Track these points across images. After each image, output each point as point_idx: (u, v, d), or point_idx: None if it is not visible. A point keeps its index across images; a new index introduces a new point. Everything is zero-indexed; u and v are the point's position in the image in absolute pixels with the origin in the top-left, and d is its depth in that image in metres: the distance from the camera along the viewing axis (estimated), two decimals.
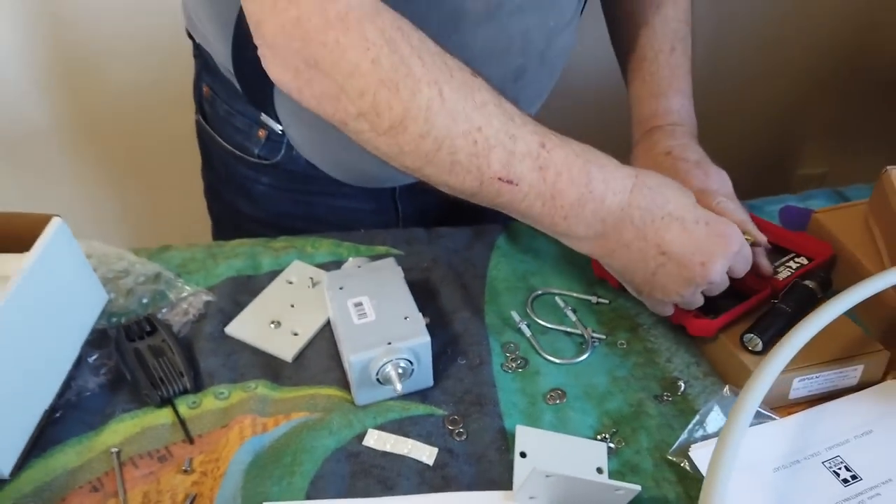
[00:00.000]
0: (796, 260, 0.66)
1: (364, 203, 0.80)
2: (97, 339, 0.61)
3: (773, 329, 0.57)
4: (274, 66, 0.50)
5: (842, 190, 0.79)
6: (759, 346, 0.56)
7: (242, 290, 0.67)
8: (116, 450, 0.53)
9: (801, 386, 0.56)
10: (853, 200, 0.74)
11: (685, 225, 0.55)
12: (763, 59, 1.41)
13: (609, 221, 0.54)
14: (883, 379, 0.58)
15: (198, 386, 0.58)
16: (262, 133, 0.74)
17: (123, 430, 0.55)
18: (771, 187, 0.81)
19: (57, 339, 0.57)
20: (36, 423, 0.54)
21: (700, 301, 0.58)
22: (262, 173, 0.77)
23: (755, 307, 0.61)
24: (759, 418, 0.55)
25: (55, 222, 0.56)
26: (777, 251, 0.67)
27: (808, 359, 0.55)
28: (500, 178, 0.51)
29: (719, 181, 0.64)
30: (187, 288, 0.66)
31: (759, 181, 1.51)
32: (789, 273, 0.64)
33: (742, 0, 1.33)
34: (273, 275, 0.68)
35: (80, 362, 0.59)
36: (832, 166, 1.52)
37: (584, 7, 0.73)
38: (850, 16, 1.38)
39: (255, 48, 0.64)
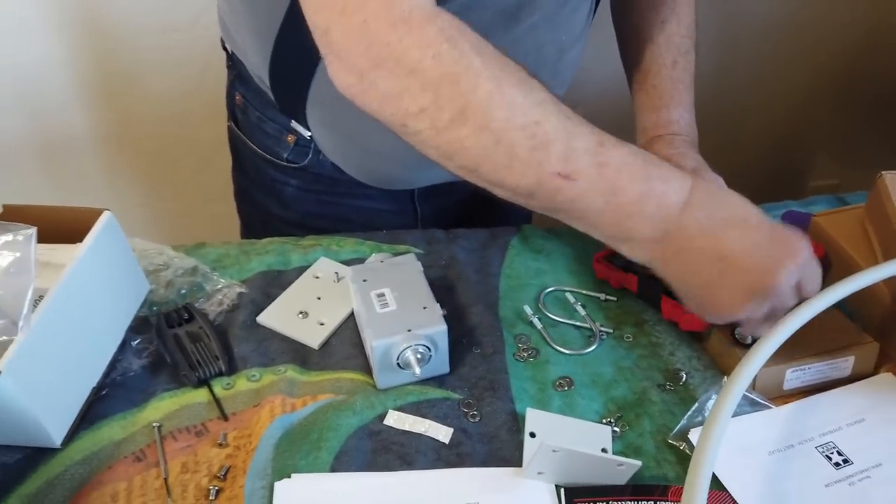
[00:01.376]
0: None
1: (385, 204, 0.84)
2: (140, 325, 0.66)
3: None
4: (340, 72, 0.52)
5: (843, 196, 0.82)
6: (750, 340, 0.60)
7: (273, 284, 0.72)
8: (158, 424, 0.58)
9: (794, 377, 0.59)
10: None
11: (747, 228, 0.53)
12: (772, 70, 1.44)
13: (673, 220, 0.52)
14: (875, 372, 0.61)
15: (232, 369, 0.63)
16: (290, 138, 0.79)
17: (164, 407, 0.60)
18: (781, 199, 0.84)
19: (104, 323, 0.62)
20: (85, 398, 0.59)
21: (766, 320, 0.55)
22: (290, 176, 0.82)
23: None
24: (755, 406, 0.59)
25: (105, 216, 0.61)
26: None
27: (800, 351, 0.59)
28: (559, 174, 0.51)
29: None
30: (222, 281, 0.71)
31: (770, 193, 1.54)
32: None
33: (751, 9, 1.36)
34: (301, 270, 0.73)
35: (124, 346, 0.64)
36: (843, 178, 1.54)
37: (590, 23, 0.78)
38: (859, 23, 1.41)
39: (292, 61, 0.69)
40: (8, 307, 0.49)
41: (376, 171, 0.78)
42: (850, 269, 0.66)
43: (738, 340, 0.61)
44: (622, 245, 0.56)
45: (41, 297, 0.54)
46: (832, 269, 0.69)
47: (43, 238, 0.59)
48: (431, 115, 0.51)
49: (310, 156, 0.79)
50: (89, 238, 0.59)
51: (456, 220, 0.87)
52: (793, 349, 0.57)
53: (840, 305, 0.60)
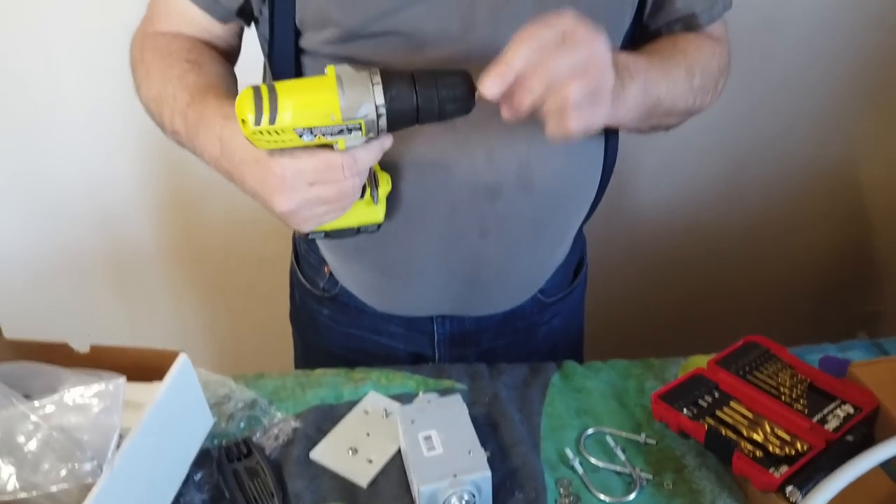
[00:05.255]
0: (843, 408, 0.70)
1: (405, 345, 0.88)
2: (201, 458, 0.70)
3: (812, 482, 0.61)
4: None
5: (881, 342, 0.84)
6: (800, 498, 0.61)
7: (325, 418, 0.76)
8: None
9: None
10: (892, 354, 0.79)
11: (252, 165, 0.60)
12: (813, 196, 1.47)
13: (218, 159, 0.64)
14: None
15: None
16: (327, 269, 0.86)
17: None
18: (825, 326, 0.86)
19: (173, 459, 0.66)
20: None
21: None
22: (324, 305, 0.89)
23: (814, 460, 0.65)
24: None
25: (181, 358, 0.67)
26: (823, 397, 0.72)
27: None
28: (173, 131, 0.67)
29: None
30: (278, 414, 0.75)
31: (815, 317, 1.54)
32: (838, 423, 0.68)
33: (792, 150, 1.42)
34: (352, 404, 0.77)
35: (187, 480, 0.68)
36: (887, 304, 1.53)
37: (612, 149, 0.80)
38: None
39: None
40: (96, 450, 0.54)
41: (380, 289, 0.82)
42: (889, 425, 0.68)
43: (786, 497, 0.61)
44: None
45: (121, 436, 0.59)
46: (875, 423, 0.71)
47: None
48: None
49: (339, 285, 0.86)
50: (166, 381, 0.64)
51: (479, 353, 0.89)
52: None
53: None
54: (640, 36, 0.76)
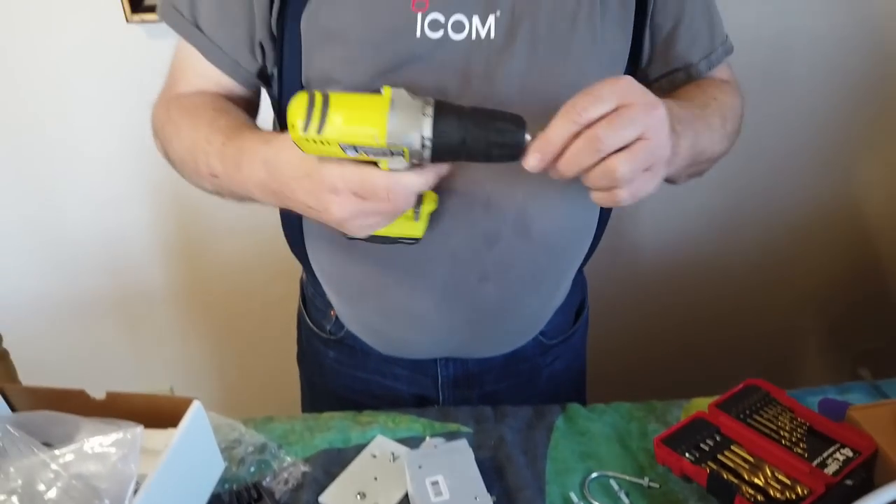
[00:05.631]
0: (842, 451, 0.72)
1: (409, 388, 0.90)
2: (212, 503, 0.72)
3: None
4: None
5: (880, 384, 0.85)
6: None
7: (334, 462, 0.77)
8: None
9: None
10: (891, 398, 0.80)
11: (301, 180, 0.61)
12: (813, 232, 1.48)
13: (258, 190, 0.66)
14: None
15: None
16: (333, 313, 0.88)
17: None
18: (834, 361, 0.86)
19: None
20: None
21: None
22: (330, 348, 0.91)
23: None
24: None
25: (194, 406, 0.68)
26: (823, 440, 0.73)
27: None
28: (210, 174, 0.68)
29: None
30: (288, 459, 0.77)
31: (819, 353, 1.55)
32: (838, 467, 0.69)
33: (793, 192, 1.44)
34: (359, 448, 0.79)
35: None
36: (891, 341, 1.54)
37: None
38: None
39: (296, 220, 0.82)
40: (113, 498, 0.56)
41: (383, 332, 0.84)
42: (888, 469, 0.69)
43: None
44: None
45: (137, 482, 0.61)
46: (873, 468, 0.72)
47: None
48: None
49: (345, 328, 0.87)
50: (181, 428, 0.66)
51: (483, 395, 0.90)
52: None
53: None
54: None
